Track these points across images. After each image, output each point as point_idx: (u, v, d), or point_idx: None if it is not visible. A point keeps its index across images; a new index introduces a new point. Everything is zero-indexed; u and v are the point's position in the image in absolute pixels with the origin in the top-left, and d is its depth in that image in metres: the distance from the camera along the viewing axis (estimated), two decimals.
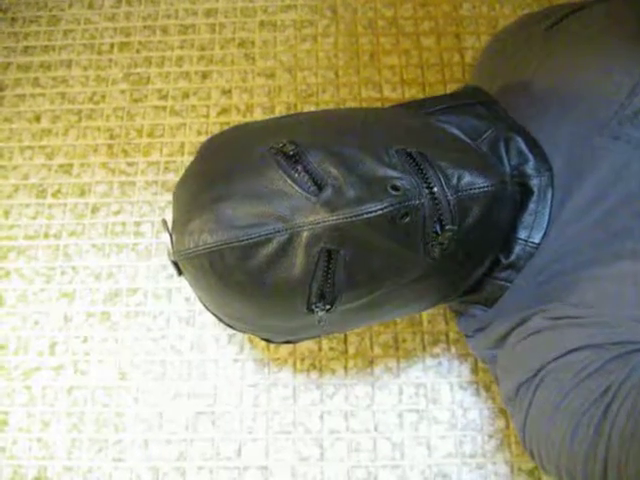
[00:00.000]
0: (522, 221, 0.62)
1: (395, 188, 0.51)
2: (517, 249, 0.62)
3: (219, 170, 0.57)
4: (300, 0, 1.11)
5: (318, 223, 0.51)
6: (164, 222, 0.64)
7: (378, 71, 1.04)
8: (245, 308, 0.59)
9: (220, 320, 0.68)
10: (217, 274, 0.55)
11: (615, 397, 0.48)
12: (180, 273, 0.62)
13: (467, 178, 0.55)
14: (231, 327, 0.69)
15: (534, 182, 0.62)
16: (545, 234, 0.61)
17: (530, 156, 0.63)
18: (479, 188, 0.55)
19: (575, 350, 0.53)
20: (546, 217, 0.62)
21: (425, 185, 0.53)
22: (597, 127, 0.60)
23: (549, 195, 0.62)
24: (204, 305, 0.68)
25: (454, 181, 0.54)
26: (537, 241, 0.62)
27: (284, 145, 0.55)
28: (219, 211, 0.54)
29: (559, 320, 0.56)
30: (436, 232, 0.54)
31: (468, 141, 0.64)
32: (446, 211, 0.54)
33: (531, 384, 0.56)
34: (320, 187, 0.52)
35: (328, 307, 0.56)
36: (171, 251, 0.60)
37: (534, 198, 0.62)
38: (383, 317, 0.66)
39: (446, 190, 0.54)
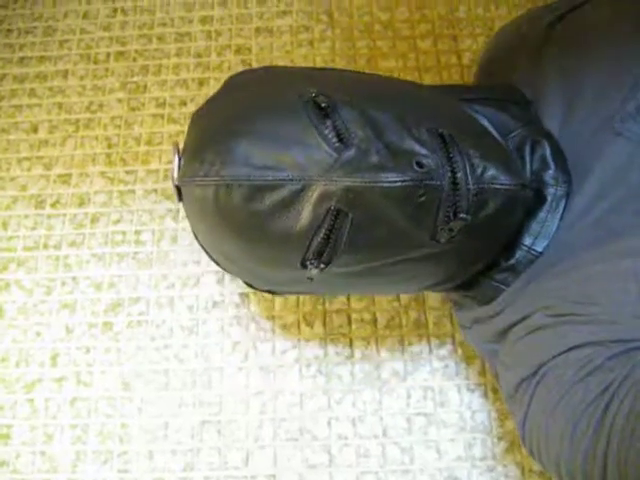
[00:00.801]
0: (529, 228, 0.62)
1: (419, 164, 0.51)
2: (518, 254, 0.62)
3: (244, 105, 0.56)
4: (296, 5, 1.11)
5: (334, 181, 0.50)
6: (175, 144, 0.60)
7: None
8: (238, 249, 0.57)
9: (208, 255, 0.66)
10: (220, 209, 0.54)
11: (615, 395, 0.47)
12: (180, 199, 0.60)
13: (491, 171, 0.55)
14: (217, 264, 0.67)
15: (550, 191, 0.61)
16: (548, 245, 0.61)
17: (552, 164, 0.62)
18: (501, 184, 0.55)
19: (576, 347, 0.53)
20: (553, 228, 0.61)
21: (449, 168, 0.53)
22: (599, 123, 0.60)
23: (561, 207, 0.61)
24: (196, 238, 0.66)
25: (478, 171, 0.54)
26: (540, 250, 0.61)
27: (317, 95, 0.54)
28: (237, 145, 0.52)
29: (560, 317, 0.55)
30: (449, 217, 0.53)
31: (498, 137, 0.63)
32: (464, 199, 0.53)
33: (531, 381, 0.56)
34: (345, 145, 0.51)
35: (322, 266, 0.55)
36: (176, 175, 0.58)
37: (546, 207, 0.61)
38: (372, 289, 0.66)
39: (469, 178, 0.53)
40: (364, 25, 1.09)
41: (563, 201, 0.61)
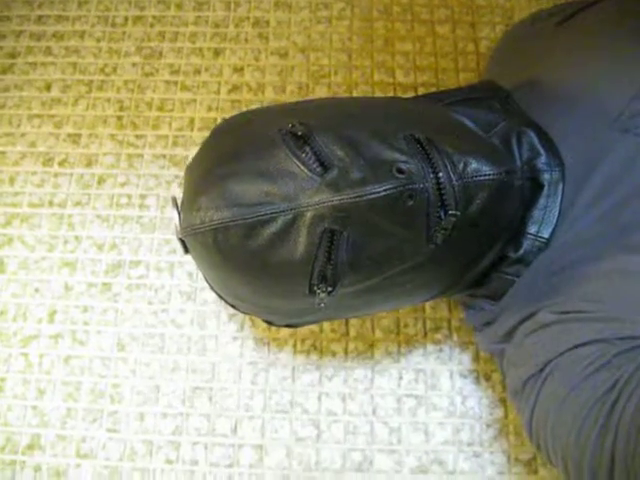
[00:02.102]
0: (532, 216, 0.62)
1: (400, 171, 0.51)
2: (526, 244, 0.62)
3: (230, 149, 0.58)
4: None
5: (322, 203, 0.51)
6: (174, 199, 0.63)
7: (392, 56, 1.04)
8: (247, 288, 0.59)
9: (223, 300, 0.68)
10: (221, 252, 0.55)
11: (622, 391, 0.48)
12: (186, 251, 0.62)
13: (473, 165, 0.55)
14: (234, 307, 0.69)
15: (545, 177, 0.62)
16: (554, 229, 0.61)
17: (542, 151, 0.63)
18: (485, 176, 0.55)
19: (583, 345, 0.53)
20: (556, 212, 0.61)
21: (431, 170, 0.53)
22: (607, 120, 0.60)
23: (560, 190, 0.62)
24: (208, 284, 0.68)
25: (460, 167, 0.54)
26: (546, 236, 0.61)
27: (293, 126, 0.55)
28: (226, 188, 0.54)
29: (567, 314, 0.56)
30: (440, 217, 0.54)
31: (479, 132, 0.63)
32: (450, 196, 0.53)
33: (538, 378, 0.56)
34: (326, 168, 0.53)
35: (330, 289, 0.56)
36: (179, 229, 0.60)
37: (544, 193, 0.62)
38: (383, 305, 0.66)
39: (451, 175, 0.53)
40: (383, 6, 1.08)
41: (560, 185, 0.62)
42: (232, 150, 0.57)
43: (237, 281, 0.58)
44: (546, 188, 0.62)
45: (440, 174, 0.53)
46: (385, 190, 0.51)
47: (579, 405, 0.50)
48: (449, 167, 0.54)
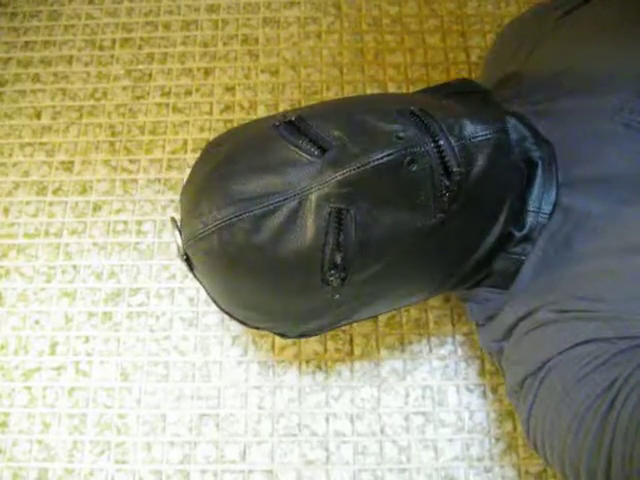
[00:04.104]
0: (531, 193, 0.63)
1: (399, 138, 0.52)
2: (529, 221, 0.63)
3: (225, 155, 0.58)
4: None
5: (326, 182, 0.51)
6: (173, 220, 0.63)
7: (383, 69, 1.03)
8: (258, 291, 0.58)
9: (232, 317, 0.67)
10: (228, 254, 0.55)
11: (620, 391, 0.48)
12: (191, 269, 0.62)
13: (469, 128, 0.55)
14: (244, 324, 0.68)
15: (536, 154, 0.63)
16: (555, 204, 0.62)
17: (528, 134, 0.64)
18: (482, 136, 0.56)
19: (582, 343, 0.53)
20: (554, 188, 0.62)
21: (429, 135, 0.54)
22: (609, 114, 0.60)
23: (554, 167, 0.63)
24: (215, 302, 0.67)
25: (457, 130, 0.55)
26: (548, 211, 0.62)
27: (285, 116, 0.56)
28: (227, 188, 0.54)
29: (567, 313, 0.56)
30: (444, 184, 0.54)
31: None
32: (452, 157, 0.54)
33: (537, 376, 0.56)
34: (324, 150, 0.53)
35: (343, 275, 0.55)
36: (181, 247, 0.60)
37: (539, 170, 0.63)
38: (393, 297, 0.65)
39: (450, 139, 0.54)
40: (372, 18, 1.08)
41: (553, 162, 0.63)
42: (227, 155, 0.58)
43: (247, 286, 0.58)
44: (540, 165, 0.63)
45: (439, 139, 0.53)
46: (387, 155, 0.51)
47: (577, 404, 0.50)
48: (446, 131, 0.54)
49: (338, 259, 0.54)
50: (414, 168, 0.52)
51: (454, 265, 0.65)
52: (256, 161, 0.55)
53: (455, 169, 0.53)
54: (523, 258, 0.63)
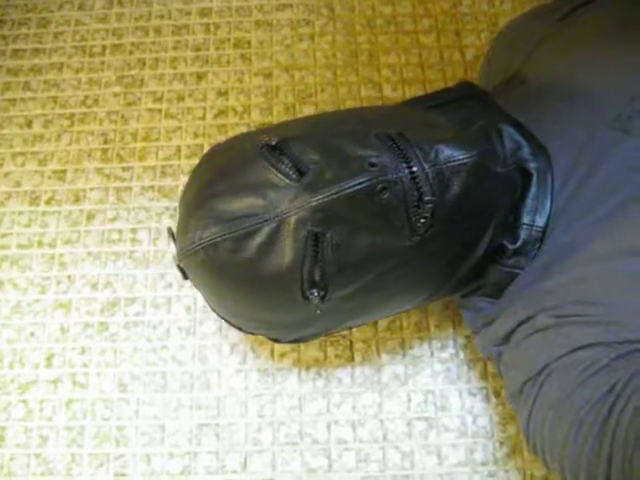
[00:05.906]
0: (525, 205, 0.63)
1: (372, 165, 0.53)
2: (522, 234, 0.63)
3: (215, 171, 0.60)
4: None
5: (302, 206, 0.52)
6: (169, 230, 0.65)
7: (377, 70, 1.02)
8: (244, 303, 0.60)
9: (229, 322, 0.69)
10: (214, 269, 0.57)
11: (620, 396, 0.48)
12: (185, 277, 0.64)
13: (446, 152, 0.56)
14: (240, 329, 0.69)
15: (532, 165, 0.63)
16: (549, 218, 0.62)
17: (524, 142, 0.64)
18: (458, 160, 0.56)
19: (580, 348, 0.53)
20: (548, 200, 0.62)
21: (403, 161, 0.54)
22: (607, 120, 0.60)
23: (549, 178, 0.62)
24: (210, 307, 0.69)
25: (432, 155, 0.55)
26: (541, 225, 0.62)
27: (269, 139, 0.57)
28: (212, 207, 0.56)
29: (565, 318, 0.55)
30: (417, 207, 0.54)
31: (454, 125, 0.64)
32: (425, 184, 0.54)
33: (536, 381, 0.56)
34: (302, 173, 0.54)
35: (322, 293, 0.56)
36: (175, 257, 0.62)
37: (534, 181, 0.62)
38: (382, 308, 0.66)
39: (423, 164, 0.54)
40: (366, 19, 1.07)
41: (549, 172, 0.62)
42: (216, 172, 0.59)
43: (234, 298, 0.60)
44: (535, 176, 0.62)
45: (413, 165, 0.54)
46: (359, 184, 0.52)
47: (576, 409, 0.50)
48: (420, 157, 0.54)
49: (317, 278, 0.55)
50: (386, 195, 0.53)
51: (439, 281, 0.65)
52: (239, 181, 0.56)
53: (427, 197, 0.54)
54: (517, 271, 0.63)
